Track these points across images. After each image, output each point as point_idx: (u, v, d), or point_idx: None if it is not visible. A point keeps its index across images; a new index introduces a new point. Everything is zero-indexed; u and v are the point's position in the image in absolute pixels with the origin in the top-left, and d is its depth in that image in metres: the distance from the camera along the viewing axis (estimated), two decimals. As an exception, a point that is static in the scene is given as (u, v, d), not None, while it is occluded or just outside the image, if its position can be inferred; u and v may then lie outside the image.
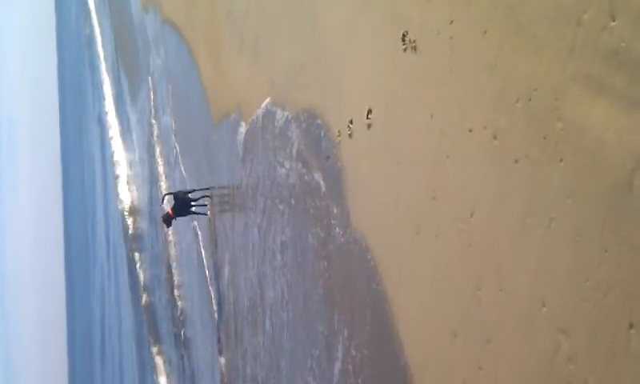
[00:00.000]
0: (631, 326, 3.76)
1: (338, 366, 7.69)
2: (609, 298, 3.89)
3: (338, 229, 7.53)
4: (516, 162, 4.66)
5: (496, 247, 4.90)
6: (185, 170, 16.83)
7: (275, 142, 9.71)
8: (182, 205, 13.98)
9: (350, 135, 7.18)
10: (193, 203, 14.03)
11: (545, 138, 4.38)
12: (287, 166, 9.22)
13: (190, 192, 14.16)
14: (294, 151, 8.89)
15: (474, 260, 5.17)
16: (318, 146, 8.02)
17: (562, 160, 4.27)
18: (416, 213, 6.02)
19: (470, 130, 5.13)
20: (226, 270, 13.27)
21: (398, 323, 6.32)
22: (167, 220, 14.48)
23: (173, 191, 14.57)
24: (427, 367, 5.91)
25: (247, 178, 11.38)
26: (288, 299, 9.43)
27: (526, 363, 4.60)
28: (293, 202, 9.00)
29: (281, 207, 9.49)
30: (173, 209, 14.09)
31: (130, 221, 26.00)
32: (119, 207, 27.02)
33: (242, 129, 11.44)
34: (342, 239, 7.41)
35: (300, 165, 8.67)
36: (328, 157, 7.74)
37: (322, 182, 8.00)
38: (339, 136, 7.41)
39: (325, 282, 8.00)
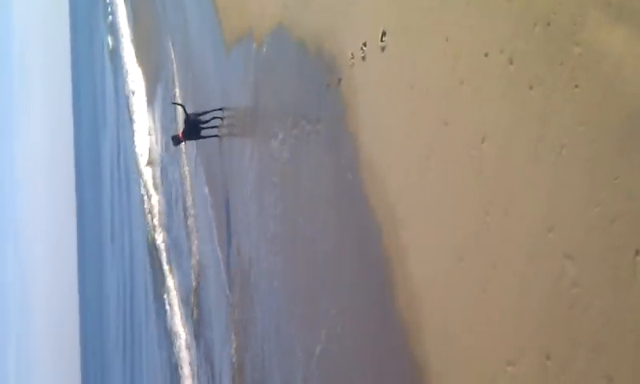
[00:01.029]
0: (637, 252, 3.79)
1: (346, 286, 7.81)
2: (616, 225, 3.92)
3: (349, 152, 7.54)
4: (531, 87, 4.63)
5: (506, 173, 4.91)
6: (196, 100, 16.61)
7: (286, 66, 9.64)
8: (192, 129, 13.80)
9: (363, 58, 7.12)
10: (203, 126, 13.82)
11: (561, 64, 4.34)
12: (298, 90, 9.18)
13: (201, 114, 13.92)
14: (306, 74, 8.83)
15: (484, 186, 5.19)
16: (331, 68, 7.96)
17: (577, 86, 4.23)
18: (427, 138, 6.02)
19: (486, 55, 5.08)
20: (235, 204, 13.35)
21: (406, 245, 6.39)
22: (176, 142, 14.50)
23: (186, 110, 14.19)
24: (432, 289, 6.00)
25: (258, 103, 11.35)
26: (301, 223, 9.52)
27: (531, 287, 4.67)
28: (305, 125, 8.99)
29: (294, 132, 9.48)
30: (183, 133, 13.96)
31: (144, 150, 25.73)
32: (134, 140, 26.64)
33: (254, 53, 11.34)
34: (353, 163, 7.43)
35: (311, 87, 8.63)
36: (340, 79, 7.69)
37: (334, 106, 7.98)
38: (352, 59, 7.35)
39: (336, 201, 8.06)
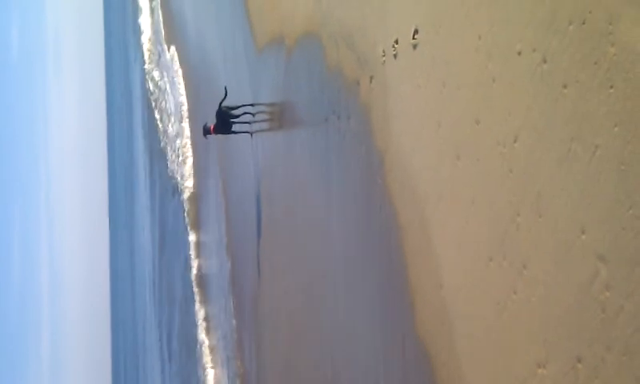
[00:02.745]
0: (672, 256, 3.73)
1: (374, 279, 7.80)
2: (651, 228, 3.86)
3: (379, 149, 7.53)
4: (564, 87, 4.57)
5: (538, 173, 4.86)
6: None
7: (317, 63, 9.64)
8: (224, 123, 13.56)
9: (394, 55, 7.09)
10: (234, 121, 13.62)
11: (596, 64, 4.28)
12: (329, 87, 9.17)
13: (233, 108, 13.67)
14: (337, 71, 8.82)
15: (515, 185, 5.14)
16: (362, 65, 7.94)
17: (612, 87, 4.17)
18: (458, 136, 5.98)
19: (519, 53, 5.02)
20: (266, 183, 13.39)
21: (435, 245, 6.35)
22: (206, 132, 14.09)
23: (220, 102, 13.66)
24: (461, 290, 5.96)
25: (289, 99, 11.37)
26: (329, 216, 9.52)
27: (562, 289, 4.61)
28: (335, 121, 8.98)
29: (324, 128, 9.48)
30: (214, 126, 13.70)
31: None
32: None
33: (285, 51, 11.36)
34: (383, 161, 7.41)
35: (342, 84, 8.62)
36: (372, 76, 7.67)
37: (365, 103, 7.96)
38: (384, 56, 7.32)
39: (364, 198, 8.05)
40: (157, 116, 28.37)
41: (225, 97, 13.48)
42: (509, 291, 5.24)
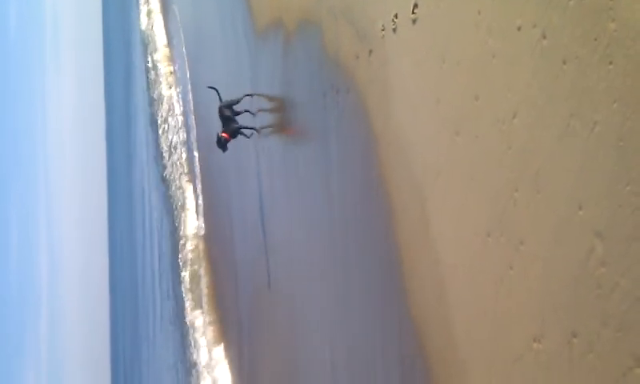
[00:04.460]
0: (668, 232, 3.74)
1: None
2: (648, 204, 3.87)
3: (378, 124, 7.52)
4: (564, 63, 4.56)
5: (537, 150, 4.86)
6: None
7: (316, 38, 9.59)
8: (227, 120, 12.18)
9: (394, 30, 7.06)
10: (238, 112, 12.32)
11: (596, 40, 4.27)
12: (328, 61, 9.14)
13: (233, 103, 12.26)
14: (336, 45, 8.78)
15: (513, 162, 5.14)
16: (362, 40, 7.91)
17: (611, 63, 4.16)
18: (457, 113, 5.97)
19: (519, 28, 5.00)
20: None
21: (432, 221, 6.37)
22: (223, 144, 12.01)
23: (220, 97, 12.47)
24: (458, 266, 5.99)
25: (289, 79, 11.32)
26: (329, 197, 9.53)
27: (558, 265, 4.64)
28: (334, 96, 8.96)
29: (323, 102, 9.47)
30: (226, 131, 12.02)
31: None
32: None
33: (284, 33, 11.28)
34: (382, 136, 7.41)
35: (341, 58, 8.59)
36: (371, 51, 7.64)
37: (364, 77, 7.94)
38: (383, 30, 7.29)
39: (363, 173, 8.06)
40: (154, 93, 28.23)
41: (219, 95, 12.48)
42: (506, 267, 5.27)
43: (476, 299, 5.68)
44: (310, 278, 10.48)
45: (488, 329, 5.53)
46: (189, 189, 23.16)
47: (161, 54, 27.91)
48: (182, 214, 23.28)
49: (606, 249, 4.20)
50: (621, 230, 4.07)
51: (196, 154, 21.81)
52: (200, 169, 21.16)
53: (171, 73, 26.31)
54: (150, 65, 29.09)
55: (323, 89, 9.37)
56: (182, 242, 22.94)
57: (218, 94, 12.66)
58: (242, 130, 12.34)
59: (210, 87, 13.32)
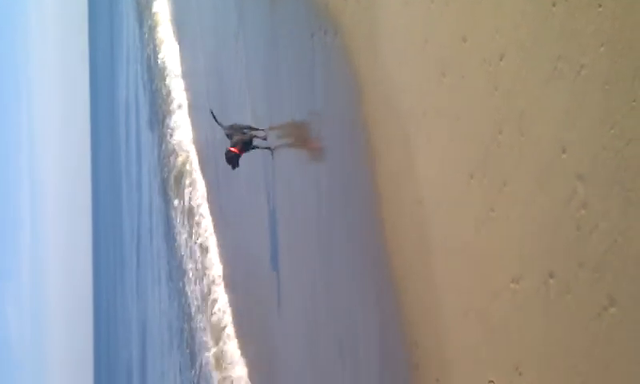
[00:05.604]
0: (649, 175, 3.79)
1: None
2: (631, 147, 3.91)
3: (366, 66, 7.48)
4: (553, 5, 4.54)
5: (523, 92, 4.87)
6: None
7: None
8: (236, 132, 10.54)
9: (384, -31, 6.98)
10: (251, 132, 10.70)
11: (586, -19, 4.25)
12: (315, 3, 9.04)
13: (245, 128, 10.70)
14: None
15: (499, 103, 5.15)
16: (350, -22, 7.82)
17: (600, 5, 4.15)
18: (444, 54, 5.95)
19: (510, -31, 4.97)
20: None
21: (416, 162, 6.40)
22: (233, 159, 10.23)
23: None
24: (441, 207, 6.04)
25: (275, 20, 11.19)
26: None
27: (539, 207, 4.69)
28: (322, 37, 8.89)
29: (311, 44, 9.40)
30: (235, 144, 10.23)
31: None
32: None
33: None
34: (370, 77, 7.39)
35: (330, 0, 8.51)
36: (359, -10, 7.56)
37: (351, 18, 7.88)
38: (373, -31, 7.20)
39: (350, 115, 8.06)
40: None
41: (214, 118, 11.11)
42: (487, 209, 5.33)
43: (456, 240, 5.75)
44: (291, 220, 10.54)
45: (466, 269, 5.61)
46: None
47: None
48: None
49: (587, 191, 4.25)
50: (603, 173, 4.11)
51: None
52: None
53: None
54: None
55: (311, 30, 9.28)
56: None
57: (214, 117, 11.21)
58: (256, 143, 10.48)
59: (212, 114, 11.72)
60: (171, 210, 20.83)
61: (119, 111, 33.96)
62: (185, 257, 19.06)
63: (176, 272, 20.47)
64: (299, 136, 9.85)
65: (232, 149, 10.11)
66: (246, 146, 10.27)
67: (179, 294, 19.91)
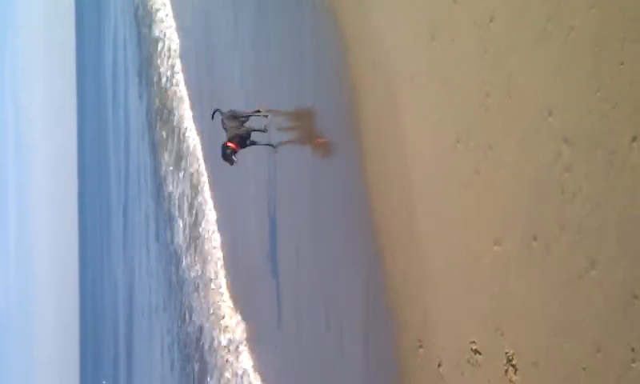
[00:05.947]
0: (634, 138, 3.80)
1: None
2: (616, 111, 3.91)
3: (356, 27, 7.43)
4: (545, -34, 4.51)
5: (512, 54, 4.85)
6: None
7: None
8: (234, 122, 9.72)
9: None
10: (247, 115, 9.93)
11: (578, -57, 4.21)
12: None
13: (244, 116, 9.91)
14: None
15: (488, 66, 5.13)
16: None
17: (592, -33, 4.12)
18: (434, 16, 5.91)
19: None
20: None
21: (404, 125, 6.39)
22: (230, 156, 9.53)
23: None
24: (428, 169, 6.04)
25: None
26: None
27: (524, 170, 4.70)
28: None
29: (297, 5, 9.31)
30: (232, 139, 9.52)
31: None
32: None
33: None
34: (359, 38, 7.34)
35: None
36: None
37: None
38: None
39: (337, 75, 8.01)
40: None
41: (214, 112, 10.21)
42: (473, 172, 5.32)
43: (441, 202, 5.75)
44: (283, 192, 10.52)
45: (450, 231, 5.63)
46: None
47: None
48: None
49: (572, 154, 4.25)
50: (587, 136, 4.12)
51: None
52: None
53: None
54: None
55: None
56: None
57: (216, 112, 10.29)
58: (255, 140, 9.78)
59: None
60: (161, 168, 20.62)
61: (105, 67, 33.28)
62: (174, 211, 18.96)
63: (164, 229, 20.37)
64: (303, 129, 9.35)
65: (230, 144, 9.43)
66: (243, 140, 9.61)
67: (168, 251, 19.80)
